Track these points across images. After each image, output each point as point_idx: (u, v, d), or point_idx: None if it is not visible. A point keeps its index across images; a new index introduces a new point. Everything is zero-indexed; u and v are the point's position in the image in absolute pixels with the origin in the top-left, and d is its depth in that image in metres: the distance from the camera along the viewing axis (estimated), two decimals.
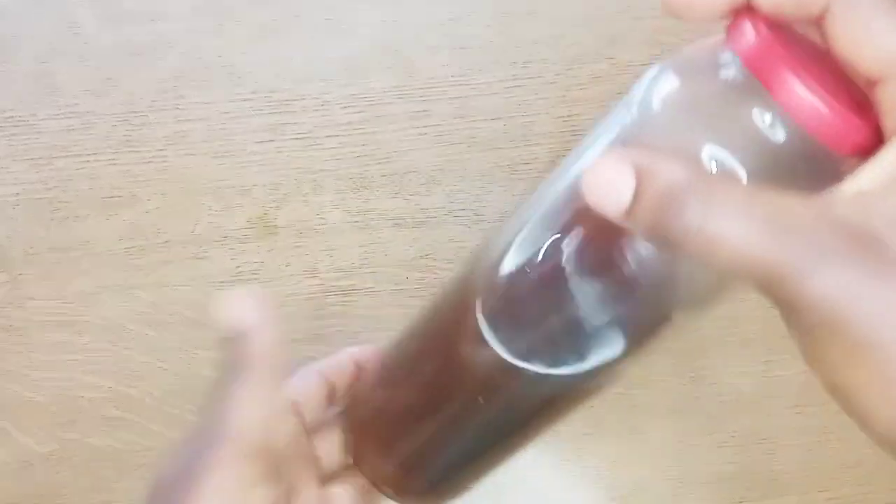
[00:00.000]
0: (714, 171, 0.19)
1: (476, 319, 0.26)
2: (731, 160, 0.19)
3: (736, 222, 0.16)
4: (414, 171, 0.41)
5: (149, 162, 0.41)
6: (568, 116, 0.42)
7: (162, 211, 0.41)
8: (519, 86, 0.42)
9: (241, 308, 0.26)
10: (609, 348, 0.25)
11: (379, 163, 0.41)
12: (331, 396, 0.32)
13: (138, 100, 0.41)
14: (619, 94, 0.42)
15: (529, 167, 0.42)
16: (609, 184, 0.18)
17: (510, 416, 0.28)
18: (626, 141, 0.22)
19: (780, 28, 0.19)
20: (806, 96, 0.18)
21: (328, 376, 0.32)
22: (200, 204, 0.41)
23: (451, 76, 0.42)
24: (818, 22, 0.19)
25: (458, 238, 0.41)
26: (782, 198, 0.17)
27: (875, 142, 0.18)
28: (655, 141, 0.21)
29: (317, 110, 0.42)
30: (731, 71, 0.20)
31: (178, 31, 0.42)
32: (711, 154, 0.19)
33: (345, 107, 0.42)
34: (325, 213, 0.41)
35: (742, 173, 0.19)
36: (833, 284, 0.16)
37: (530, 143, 0.42)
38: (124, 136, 0.41)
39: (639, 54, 0.42)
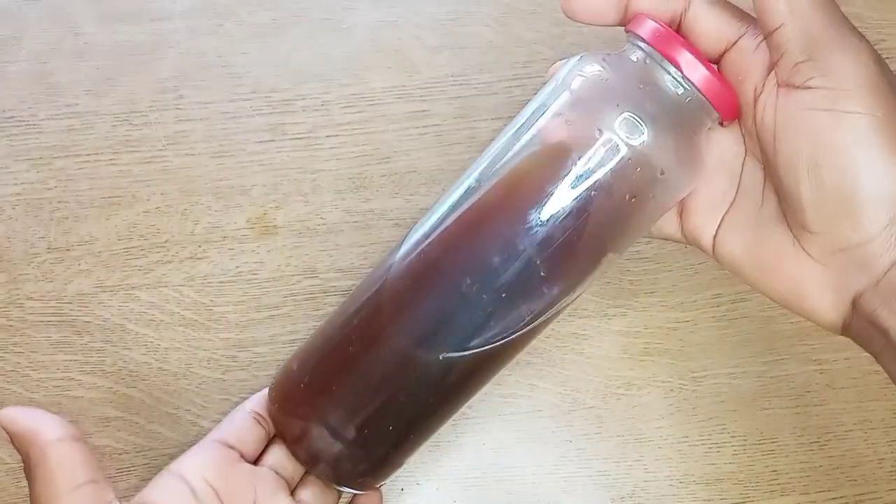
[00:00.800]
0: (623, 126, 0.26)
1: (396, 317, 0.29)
2: (636, 116, 0.26)
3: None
4: (414, 171, 0.41)
5: (149, 162, 0.41)
6: None
7: (161, 211, 0.41)
8: (519, 86, 0.42)
9: (24, 417, 0.27)
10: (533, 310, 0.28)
11: (379, 163, 0.41)
12: (263, 423, 0.33)
13: (138, 100, 0.41)
14: None
15: None
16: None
17: (452, 384, 0.30)
18: (552, 109, 0.28)
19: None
20: (700, 68, 0.26)
21: (256, 410, 0.33)
22: (200, 204, 0.41)
23: (451, 76, 0.42)
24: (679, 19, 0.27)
25: None
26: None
27: (737, 107, 0.27)
28: (578, 108, 0.27)
29: (317, 110, 0.42)
30: (637, 54, 0.27)
31: (178, 31, 0.42)
32: (624, 112, 0.26)
33: (345, 107, 0.42)
34: (324, 213, 0.41)
35: (645, 125, 0.26)
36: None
37: None
38: (124, 135, 0.41)
39: None
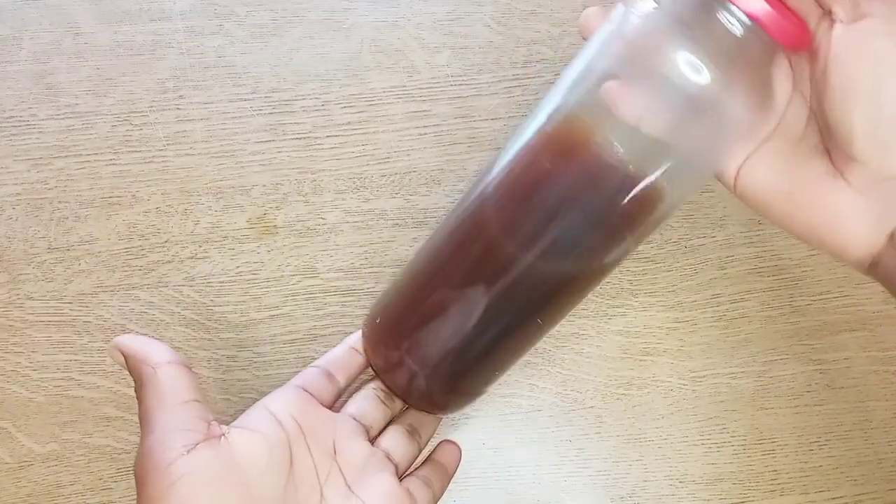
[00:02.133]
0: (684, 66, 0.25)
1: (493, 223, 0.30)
2: (696, 56, 0.25)
3: None
4: (414, 171, 0.41)
5: (149, 162, 0.41)
6: None
7: (162, 211, 0.41)
8: (519, 86, 0.42)
9: (137, 342, 0.30)
10: (607, 240, 0.29)
11: (379, 163, 0.41)
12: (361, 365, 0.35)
13: (138, 100, 0.41)
14: None
15: None
16: None
17: (527, 305, 0.31)
18: (610, 48, 0.27)
19: None
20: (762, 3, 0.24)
21: (356, 347, 0.36)
22: (200, 204, 0.41)
23: (451, 76, 0.42)
24: None
25: None
26: None
27: (806, 37, 0.25)
28: (637, 45, 0.26)
29: (317, 110, 0.42)
30: None
31: (178, 31, 0.42)
32: (683, 53, 0.25)
33: (345, 107, 0.42)
34: (324, 213, 0.41)
35: (706, 67, 0.25)
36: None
37: None
38: (124, 136, 0.41)
39: None
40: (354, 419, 0.34)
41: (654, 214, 0.29)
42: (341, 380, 0.35)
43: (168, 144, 0.41)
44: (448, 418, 0.40)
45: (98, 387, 0.39)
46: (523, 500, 0.40)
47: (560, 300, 0.32)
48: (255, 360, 0.40)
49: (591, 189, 0.28)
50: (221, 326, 0.40)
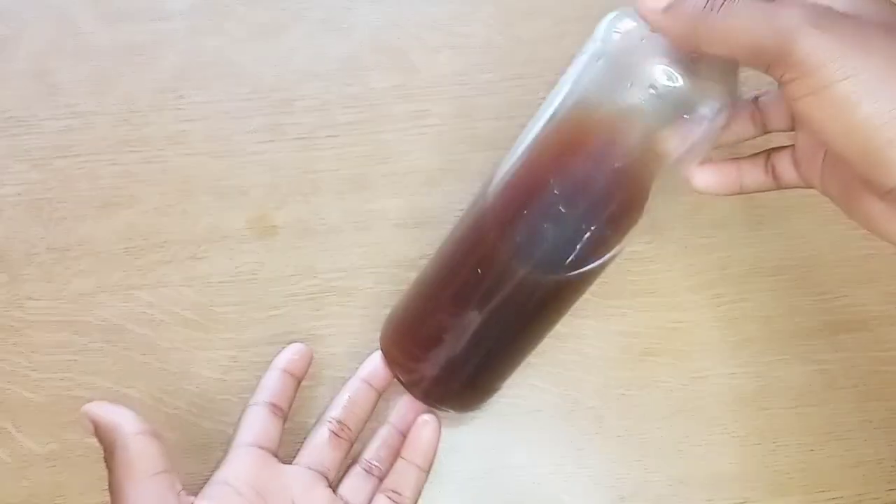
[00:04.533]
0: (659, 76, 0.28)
1: (493, 234, 0.31)
2: (670, 68, 0.28)
3: (745, 14, 0.24)
4: (414, 171, 0.41)
5: (148, 162, 0.41)
6: None
7: (161, 211, 0.41)
8: (519, 85, 0.42)
9: (108, 411, 0.31)
10: (601, 248, 0.31)
11: (379, 163, 0.41)
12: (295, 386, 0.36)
13: (138, 100, 0.41)
14: None
15: None
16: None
17: (524, 312, 0.33)
18: (593, 66, 0.31)
19: None
20: None
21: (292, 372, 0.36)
22: (200, 204, 0.41)
23: (451, 76, 0.42)
24: None
25: None
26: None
27: None
28: (617, 60, 0.29)
29: (317, 110, 0.42)
30: None
31: (178, 30, 0.42)
32: (659, 63, 0.28)
33: (345, 107, 0.42)
34: (324, 213, 0.41)
35: (678, 75, 0.28)
36: (819, 41, 0.23)
37: None
38: (124, 136, 0.41)
39: None
40: (310, 468, 0.34)
41: (637, 210, 0.31)
42: (285, 407, 0.35)
43: (168, 144, 0.41)
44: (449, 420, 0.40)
45: (98, 387, 0.39)
46: (523, 500, 0.40)
47: (561, 298, 0.33)
48: (255, 360, 0.40)
49: (586, 181, 0.30)
50: (221, 326, 0.40)
